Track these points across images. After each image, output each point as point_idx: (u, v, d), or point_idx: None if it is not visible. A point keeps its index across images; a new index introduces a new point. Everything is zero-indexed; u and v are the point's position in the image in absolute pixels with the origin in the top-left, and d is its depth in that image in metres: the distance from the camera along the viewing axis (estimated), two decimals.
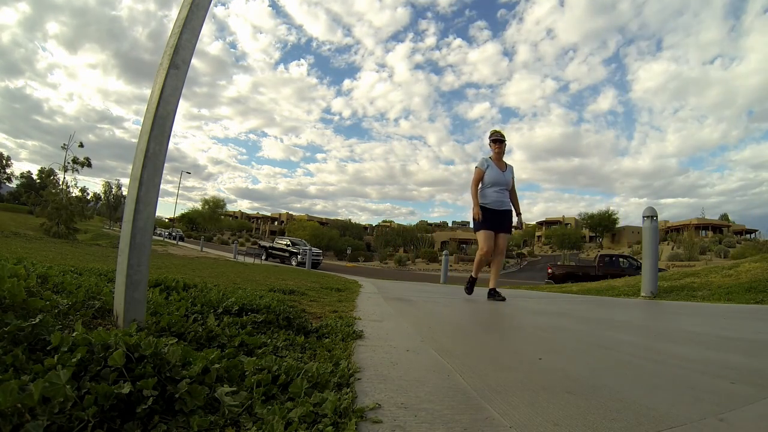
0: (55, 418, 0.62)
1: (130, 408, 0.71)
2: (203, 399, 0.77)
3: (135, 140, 1.29)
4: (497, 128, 4.24)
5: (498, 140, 4.12)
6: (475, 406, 0.92)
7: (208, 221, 56.18)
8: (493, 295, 3.98)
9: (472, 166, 4.22)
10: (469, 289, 4.29)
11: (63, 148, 19.58)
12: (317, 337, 1.55)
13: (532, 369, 1.27)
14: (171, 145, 1.28)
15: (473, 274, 4.25)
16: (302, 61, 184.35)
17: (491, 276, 4.08)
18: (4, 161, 57.48)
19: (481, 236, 3.93)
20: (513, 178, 4.15)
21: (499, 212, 4.00)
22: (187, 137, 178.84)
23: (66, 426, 0.63)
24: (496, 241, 3.97)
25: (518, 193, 4.23)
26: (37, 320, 0.90)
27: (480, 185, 4.06)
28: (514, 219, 4.15)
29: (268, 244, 23.10)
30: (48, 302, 1.14)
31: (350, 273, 14.72)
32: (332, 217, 75.00)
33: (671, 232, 47.01)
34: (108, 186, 56.69)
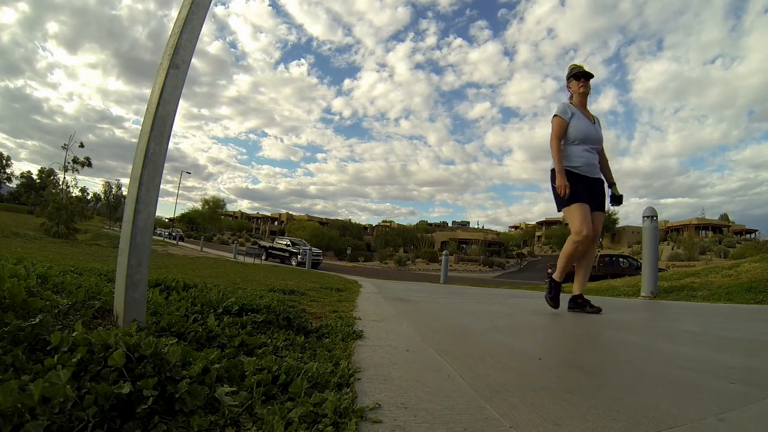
0: (55, 418, 0.62)
1: (130, 408, 0.71)
2: (203, 399, 0.77)
3: (135, 140, 1.29)
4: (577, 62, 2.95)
5: (584, 75, 2.84)
6: (475, 406, 0.92)
7: (208, 221, 56.17)
8: (580, 305, 2.80)
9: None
10: (555, 298, 2.84)
11: (63, 148, 19.57)
12: (317, 337, 1.55)
13: (532, 369, 1.27)
14: (171, 145, 1.28)
15: (557, 275, 2.83)
16: (302, 60, 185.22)
17: (578, 276, 2.90)
18: (4, 161, 57.52)
19: (576, 212, 2.64)
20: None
21: (592, 181, 2.78)
22: (187, 137, 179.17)
23: (66, 426, 0.63)
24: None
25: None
26: (37, 320, 0.90)
27: (562, 142, 2.81)
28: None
29: (268, 244, 23.09)
30: (48, 302, 1.14)
31: (350, 273, 14.72)
32: (332, 217, 75.09)
33: (671, 232, 47.02)
34: (108, 186, 56.67)
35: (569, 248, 2.73)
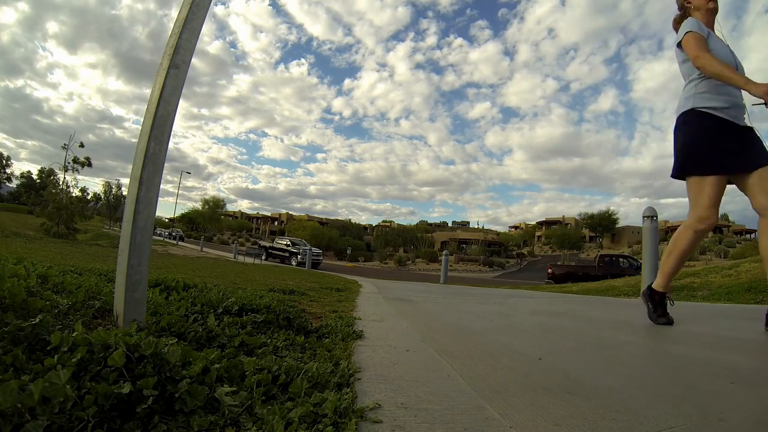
0: (55, 418, 0.62)
1: (130, 408, 0.71)
2: (203, 399, 0.77)
3: (135, 140, 1.30)
4: None
5: None
6: (475, 406, 0.92)
7: (208, 221, 56.17)
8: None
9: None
10: (665, 313, 2.17)
11: (63, 148, 19.55)
12: (317, 337, 1.55)
13: (532, 369, 1.27)
14: (171, 145, 1.28)
15: (662, 281, 2.15)
16: (303, 60, 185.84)
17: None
18: (4, 161, 57.55)
19: (709, 188, 1.91)
20: None
21: (741, 130, 1.94)
22: (187, 137, 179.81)
23: (66, 426, 0.63)
24: (761, 190, 1.81)
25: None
26: (37, 320, 0.90)
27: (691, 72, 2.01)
28: None
29: (268, 244, 23.09)
30: (48, 302, 1.14)
31: (350, 273, 14.71)
32: (332, 217, 75.25)
33: (671, 232, 46.96)
34: (108, 186, 56.56)
35: (686, 240, 1.99)
